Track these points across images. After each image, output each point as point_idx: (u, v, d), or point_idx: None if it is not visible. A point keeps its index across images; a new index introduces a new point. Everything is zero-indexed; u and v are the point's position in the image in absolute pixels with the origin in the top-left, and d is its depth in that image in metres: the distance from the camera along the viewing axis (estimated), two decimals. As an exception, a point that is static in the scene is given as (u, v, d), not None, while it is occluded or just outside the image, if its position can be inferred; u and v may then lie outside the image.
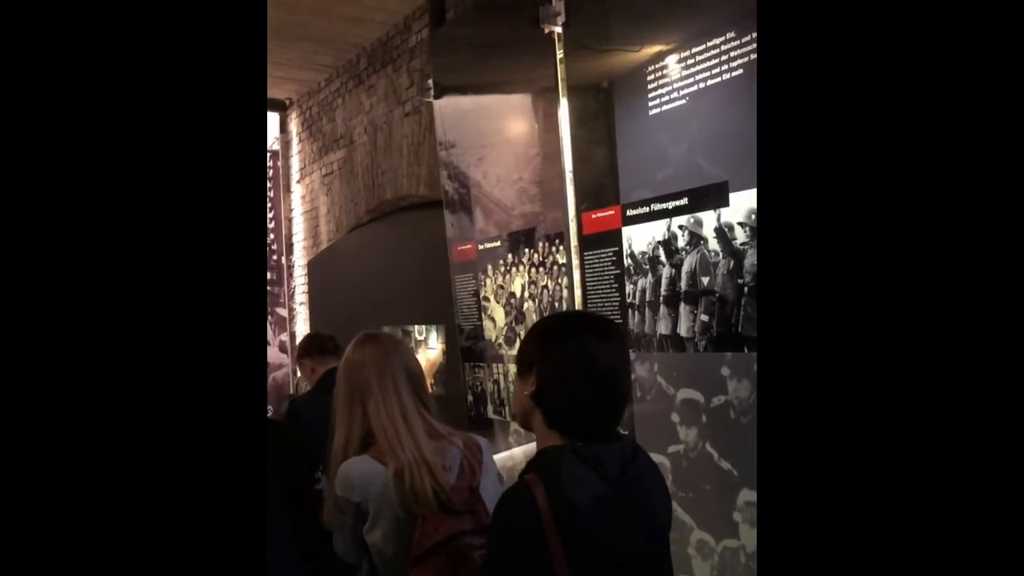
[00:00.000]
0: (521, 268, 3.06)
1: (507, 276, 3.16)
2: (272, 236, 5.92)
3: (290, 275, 6.04)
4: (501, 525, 1.26)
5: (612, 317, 2.58)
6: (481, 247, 3.30)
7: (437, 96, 3.44)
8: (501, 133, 3.13)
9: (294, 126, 5.78)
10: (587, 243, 2.67)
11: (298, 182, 5.87)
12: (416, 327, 4.51)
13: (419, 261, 4.23)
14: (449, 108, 3.41)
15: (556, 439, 1.31)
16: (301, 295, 5.94)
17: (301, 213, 5.90)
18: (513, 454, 3.05)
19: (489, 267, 3.26)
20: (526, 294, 3.06)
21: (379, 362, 1.75)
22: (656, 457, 2.52)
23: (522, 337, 3.15)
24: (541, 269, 2.94)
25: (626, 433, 1.49)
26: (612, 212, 2.54)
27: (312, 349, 3.20)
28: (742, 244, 2.09)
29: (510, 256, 3.11)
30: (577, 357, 1.31)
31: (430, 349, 4.56)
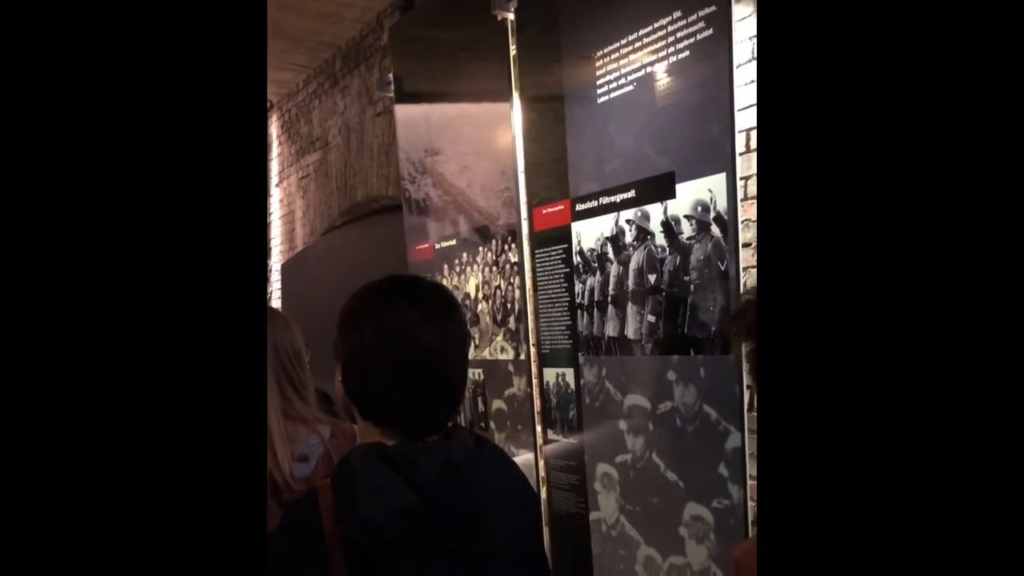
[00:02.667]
0: (475, 268, 2.93)
1: (462, 277, 3.02)
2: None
3: (268, 280, 5.92)
4: (277, 542, 1.00)
5: (562, 319, 2.45)
6: (438, 246, 3.17)
7: (398, 89, 3.33)
8: (460, 126, 3.01)
9: (274, 129, 5.67)
10: (538, 241, 2.54)
11: (276, 185, 5.76)
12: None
13: (387, 264, 4.10)
14: (408, 106, 3.30)
15: (376, 435, 1.08)
16: (276, 301, 5.82)
17: (279, 217, 5.79)
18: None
19: (445, 267, 3.13)
20: (480, 295, 2.93)
21: None
22: (604, 468, 2.38)
23: (476, 341, 3.04)
24: (494, 268, 2.81)
25: (464, 427, 1.20)
26: (562, 207, 2.41)
27: None
28: (688, 239, 1.96)
29: (464, 255, 2.98)
30: (384, 330, 1.06)
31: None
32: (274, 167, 5.75)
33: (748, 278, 1.89)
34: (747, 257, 1.93)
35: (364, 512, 0.99)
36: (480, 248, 2.88)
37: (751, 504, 1.92)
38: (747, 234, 1.96)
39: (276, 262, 5.87)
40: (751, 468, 1.91)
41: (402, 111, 3.33)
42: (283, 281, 5.64)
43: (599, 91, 2.21)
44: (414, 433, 1.07)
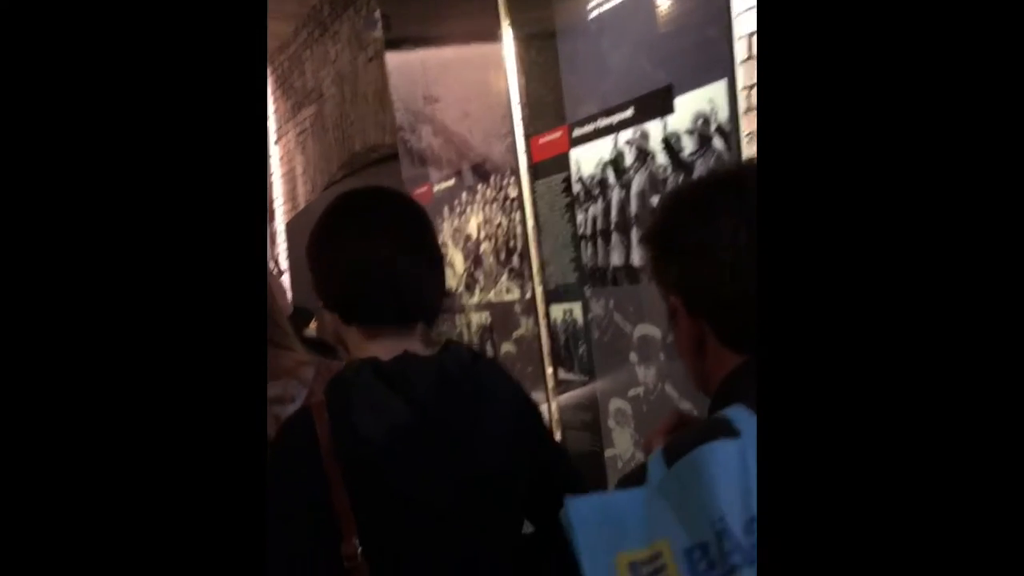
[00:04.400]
0: (475, 207, 2.83)
1: (462, 218, 2.93)
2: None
3: (273, 242, 5.85)
4: (273, 460, 0.96)
5: (565, 252, 2.36)
6: (436, 188, 3.07)
7: (388, 34, 3.21)
8: (457, 70, 2.89)
9: (268, 84, 5.55)
10: (537, 172, 2.44)
11: (276, 143, 5.66)
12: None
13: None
14: (401, 53, 3.17)
15: (364, 346, 1.06)
16: (284, 262, 5.76)
17: (280, 176, 5.70)
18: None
19: (445, 209, 3.04)
20: (482, 235, 2.84)
21: None
22: (617, 403, 2.31)
23: (481, 284, 2.96)
24: (494, 205, 2.71)
25: (459, 342, 1.19)
26: (559, 134, 2.30)
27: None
28: (690, 155, 1.85)
29: (464, 195, 2.88)
30: (344, 210, 1.09)
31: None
32: (271, 124, 5.65)
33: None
34: (753, 170, 1.82)
35: (359, 427, 0.97)
36: (479, 187, 2.79)
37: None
38: (750, 148, 1.85)
39: (281, 222, 5.79)
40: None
41: (395, 59, 3.22)
42: (289, 240, 5.57)
43: (590, 6, 2.09)
44: (402, 319, 1.05)
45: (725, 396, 0.77)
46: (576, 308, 2.40)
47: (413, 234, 1.08)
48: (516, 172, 2.53)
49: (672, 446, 0.71)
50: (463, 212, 2.92)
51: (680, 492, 0.67)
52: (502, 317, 2.83)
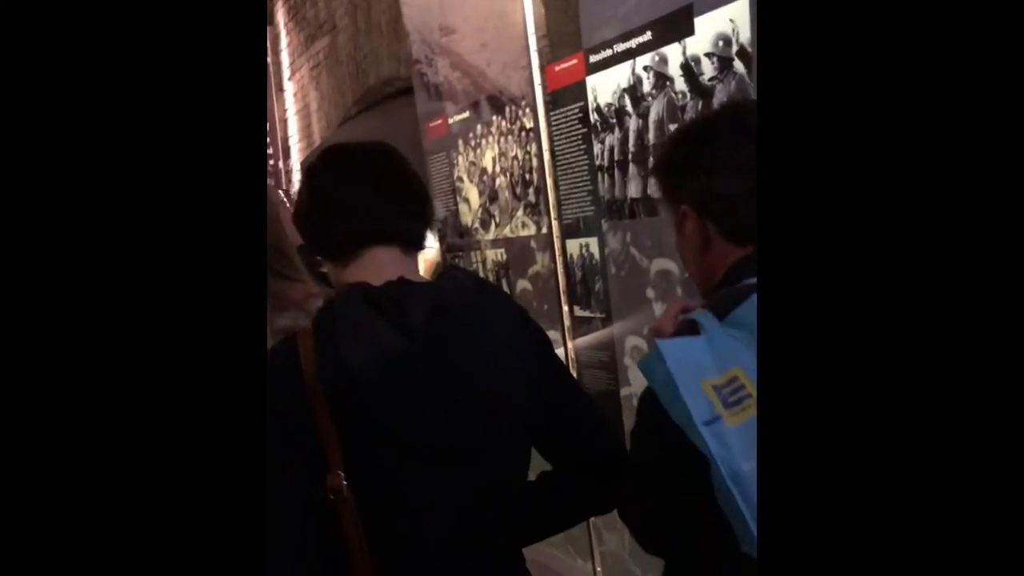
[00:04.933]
0: (491, 140, 2.75)
1: (477, 151, 2.85)
2: (267, 141, 5.65)
3: (289, 180, 5.79)
4: None
5: (582, 184, 2.29)
6: (451, 121, 2.99)
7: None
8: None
9: (280, 16, 5.42)
10: (553, 101, 2.35)
11: (289, 79, 5.55)
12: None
13: (407, 152, 3.94)
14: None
15: (352, 277, 1.03)
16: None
17: (294, 112, 5.61)
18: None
19: (460, 143, 2.96)
20: (497, 168, 2.76)
21: None
22: (633, 341, 2.26)
23: (497, 220, 2.90)
24: (510, 137, 2.63)
25: (464, 269, 1.25)
26: (575, 61, 2.21)
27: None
28: (710, 80, 1.76)
29: (479, 128, 2.80)
30: (333, 152, 1.11)
31: (427, 248, 4.32)
32: (284, 59, 5.54)
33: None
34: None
35: (343, 355, 0.91)
36: (495, 118, 2.70)
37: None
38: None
39: (297, 161, 5.72)
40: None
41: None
42: (305, 177, 5.51)
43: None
44: (377, 241, 1.03)
45: (733, 278, 0.94)
46: (593, 243, 2.33)
47: (387, 174, 1.08)
48: (532, 103, 2.44)
49: (716, 305, 0.89)
50: (478, 146, 2.84)
51: (740, 332, 0.83)
52: (518, 253, 2.77)
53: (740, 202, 0.92)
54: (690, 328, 0.87)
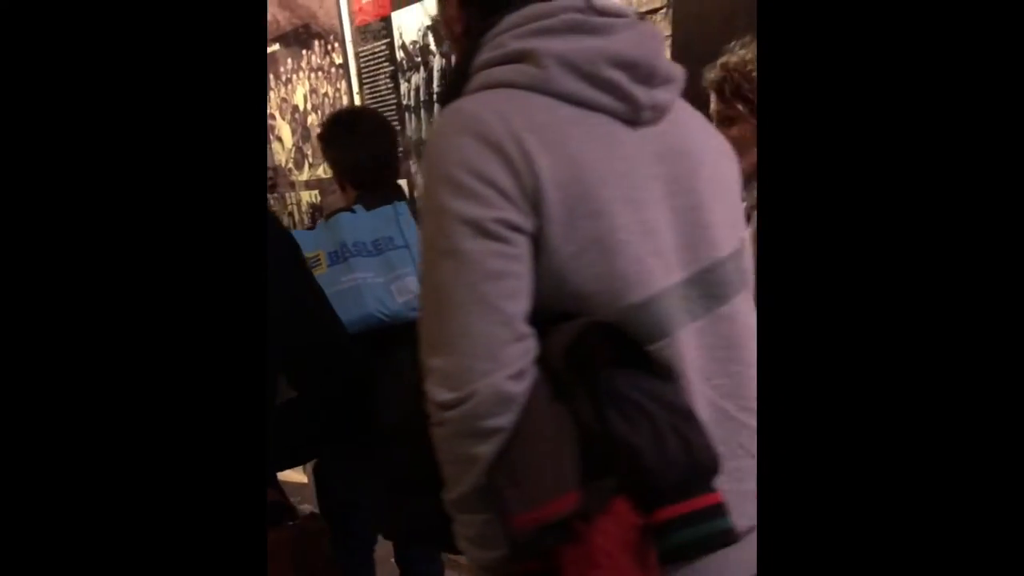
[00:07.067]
0: (301, 76, 2.65)
1: (288, 87, 2.74)
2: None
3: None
4: None
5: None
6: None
7: None
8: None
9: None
10: (361, 36, 2.28)
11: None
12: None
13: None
14: None
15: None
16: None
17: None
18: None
19: (271, 78, 2.83)
20: (308, 105, 2.67)
21: None
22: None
23: (310, 158, 2.81)
24: (320, 74, 2.54)
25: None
26: (381, -5, 2.15)
27: None
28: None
29: (290, 62, 2.69)
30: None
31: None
32: None
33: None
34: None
35: None
36: (304, 52, 2.60)
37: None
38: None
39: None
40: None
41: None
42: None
43: None
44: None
45: None
46: (403, 182, 2.31)
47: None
48: (340, 38, 2.36)
49: None
50: (288, 82, 2.73)
51: None
52: (329, 194, 2.70)
53: None
54: None
